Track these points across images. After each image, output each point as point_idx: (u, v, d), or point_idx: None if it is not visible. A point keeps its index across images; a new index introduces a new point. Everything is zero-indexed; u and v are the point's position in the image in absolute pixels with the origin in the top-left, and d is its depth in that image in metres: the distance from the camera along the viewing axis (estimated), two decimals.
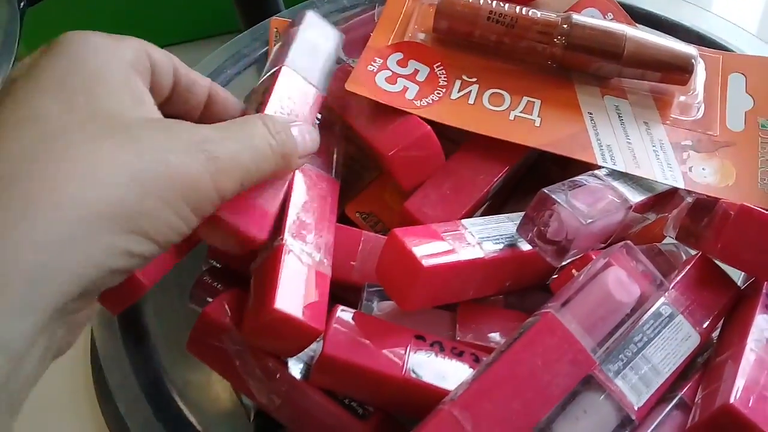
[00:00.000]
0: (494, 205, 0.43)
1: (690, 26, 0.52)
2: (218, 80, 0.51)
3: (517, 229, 0.36)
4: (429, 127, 0.40)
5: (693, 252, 0.40)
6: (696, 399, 0.33)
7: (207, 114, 0.34)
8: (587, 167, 0.40)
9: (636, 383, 0.32)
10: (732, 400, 0.30)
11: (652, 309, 0.34)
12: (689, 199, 0.40)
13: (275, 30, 0.50)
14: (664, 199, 0.41)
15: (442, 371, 0.32)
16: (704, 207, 0.38)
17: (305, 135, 0.33)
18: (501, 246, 0.36)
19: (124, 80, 0.28)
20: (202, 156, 0.27)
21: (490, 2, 0.43)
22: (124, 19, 0.97)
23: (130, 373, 0.38)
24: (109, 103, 0.26)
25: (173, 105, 0.33)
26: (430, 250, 0.33)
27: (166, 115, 0.30)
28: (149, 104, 0.29)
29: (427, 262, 0.32)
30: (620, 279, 0.32)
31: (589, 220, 0.34)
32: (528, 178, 0.45)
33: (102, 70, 0.27)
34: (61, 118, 0.25)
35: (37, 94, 0.25)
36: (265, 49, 0.51)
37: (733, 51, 0.49)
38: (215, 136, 0.28)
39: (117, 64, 0.28)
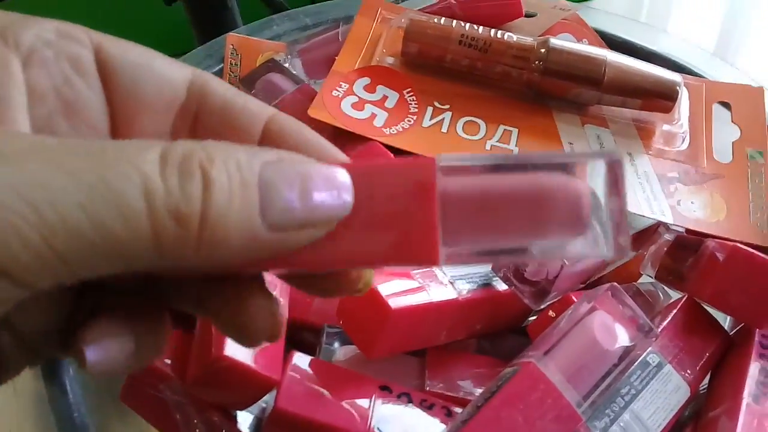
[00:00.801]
0: None
1: (648, 47, 0.50)
2: None
3: (492, 267, 0.33)
4: (391, 155, 0.37)
5: (671, 291, 0.37)
6: None
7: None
8: None
9: None
10: None
11: (640, 358, 0.31)
12: (668, 236, 0.37)
13: (231, 46, 0.47)
14: (643, 235, 0.38)
15: (411, 427, 0.29)
16: (687, 246, 0.36)
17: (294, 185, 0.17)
18: (474, 285, 0.33)
19: None
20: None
21: (462, 25, 0.41)
22: None
23: (52, 427, 0.33)
24: None
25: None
26: (398, 288, 0.30)
27: None
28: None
29: (395, 304, 0.29)
30: (606, 325, 0.29)
31: (571, 261, 0.31)
32: None
33: None
34: None
35: None
36: (220, 66, 0.48)
37: (693, 71, 0.47)
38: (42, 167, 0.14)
39: None
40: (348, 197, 0.17)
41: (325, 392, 0.29)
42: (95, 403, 0.35)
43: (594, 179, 0.17)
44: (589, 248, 0.17)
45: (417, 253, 0.17)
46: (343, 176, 0.17)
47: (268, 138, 0.20)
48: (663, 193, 0.38)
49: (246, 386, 0.29)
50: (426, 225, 0.16)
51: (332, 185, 0.17)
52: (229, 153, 0.16)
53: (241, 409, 0.30)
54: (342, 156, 0.19)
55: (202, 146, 0.16)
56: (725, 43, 0.79)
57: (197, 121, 0.20)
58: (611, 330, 0.29)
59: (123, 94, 0.19)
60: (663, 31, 0.55)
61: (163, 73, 0.19)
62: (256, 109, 0.20)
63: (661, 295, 0.39)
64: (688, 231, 0.37)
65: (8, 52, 0.17)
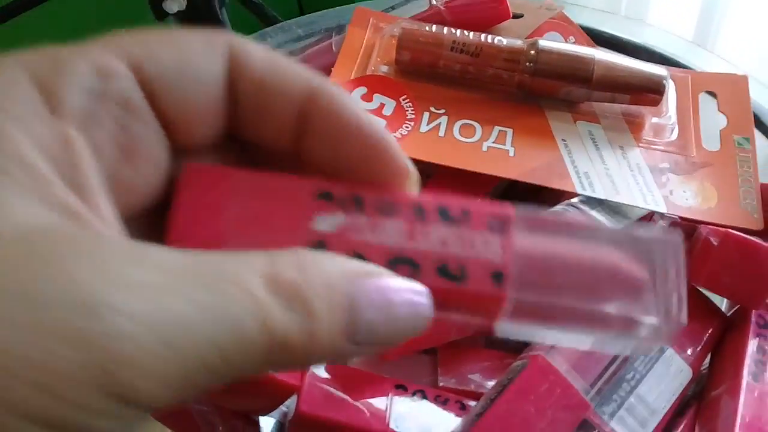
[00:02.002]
0: None
1: (628, 38, 0.51)
2: None
3: None
4: None
5: None
6: None
7: (310, 146, 0.20)
8: (561, 194, 0.39)
9: (632, 425, 0.30)
10: None
11: None
12: (663, 224, 0.38)
13: None
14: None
15: (428, 423, 0.30)
16: (681, 233, 0.37)
17: (389, 296, 0.17)
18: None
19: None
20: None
21: (453, 32, 0.42)
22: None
23: None
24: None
25: (238, 123, 0.20)
26: None
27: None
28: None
29: None
30: None
31: None
32: None
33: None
34: None
35: None
36: None
37: (677, 62, 0.49)
38: (140, 291, 0.14)
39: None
40: (427, 312, 0.17)
41: (344, 394, 0.30)
42: None
43: (656, 258, 0.18)
44: (646, 328, 0.18)
45: (482, 303, 0.18)
46: (423, 295, 0.17)
47: (313, 109, 0.19)
48: (655, 184, 0.39)
49: (268, 393, 0.30)
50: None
51: (413, 305, 0.17)
52: (323, 274, 0.16)
53: (263, 415, 0.32)
54: (388, 137, 0.20)
55: (300, 270, 0.16)
56: (704, 31, 0.81)
57: (236, 92, 0.19)
58: None
59: (170, 107, 0.18)
60: (646, 23, 0.56)
61: (198, 68, 0.18)
62: (294, 78, 0.19)
63: None
64: (681, 219, 0.38)
65: (65, 126, 0.16)
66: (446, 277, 0.18)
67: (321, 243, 0.18)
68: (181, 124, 0.18)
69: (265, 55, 0.19)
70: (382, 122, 0.17)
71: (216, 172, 0.19)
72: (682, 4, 0.85)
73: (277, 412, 0.31)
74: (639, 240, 0.19)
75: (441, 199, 0.19)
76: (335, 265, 0.17)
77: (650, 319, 0.18)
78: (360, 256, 0.18)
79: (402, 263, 0.18)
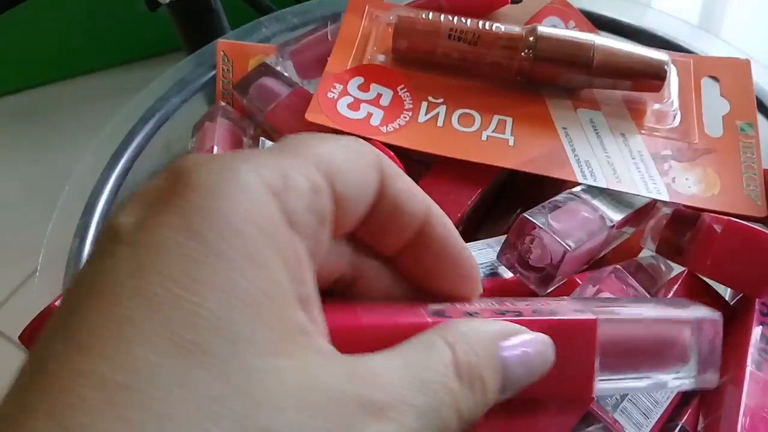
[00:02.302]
0: (468, 230, 0.41)
1: (635, 24, 0.50)
2: (164, 109, 0.48)
3: (497, 257, 0.34)
4: (391, 153, 0.38)
5: (672, 263, 0.38)
6: (698, 427, 0.31)
7: (410, 255, 0.22)
8: (563, 183, 0.38)
9: (636, 416, 0.30)
10: (739, 429, 0.28)
11: None
12: (666, 210, 0.38)
13: (222, 53, 0.48)
14: (641, 212, 0.39)
15: None
16: (685, 220, 0.36)
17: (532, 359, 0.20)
18: (481, 275, 0.33)
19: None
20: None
21: (450, 19, 0.41)
22: (60, 41, 0.94)
23: None
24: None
25: (362, 233, 0.21)
26: None
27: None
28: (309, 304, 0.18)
29: None
30: None
31: (574, 245, 0.32)
32: (502, 199, 0.43)
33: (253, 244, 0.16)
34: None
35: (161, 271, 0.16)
36: (212, 73, 0.48)
37: (680, 46, 0.48)
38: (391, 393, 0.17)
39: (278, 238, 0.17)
40: (552, 358, 0.21)
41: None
42: None
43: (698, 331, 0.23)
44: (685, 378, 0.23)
45: (573, 388, 0.22)
46: (549, 344, 0.21)
47: (424, 233, 0.21)
48: (658, 172, 0.38)
49: None
50: (585, 369, 0.22)
51: (544, 354, 0.21)
52: (483, 343, 0.19)
53: None
54: (476, 272, 0.23)
55: (469, 346, 0.19)
56: (708, 14, 0.80)
57: (372, 210, 0.21)
58: None
59: (341, 217, 0.20)
60: (647, 6, 0.55)
61: (366, 186, 0.20)
62: (417, 205, 0.21)
63: (663, 267, 0.40)
64: (685, 207, 0.38)
65: (297, 242, 0.17)
66: None
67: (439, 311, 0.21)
68: (338, 228, 0.20)
69: (399, 173, 0.21)
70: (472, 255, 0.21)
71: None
72: None
73: None
74: (689, 316, 0.24)
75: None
76: (487, 330, 0.20)
77: (690, 381, 0.23)
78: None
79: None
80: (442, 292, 0.22)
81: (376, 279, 0.22)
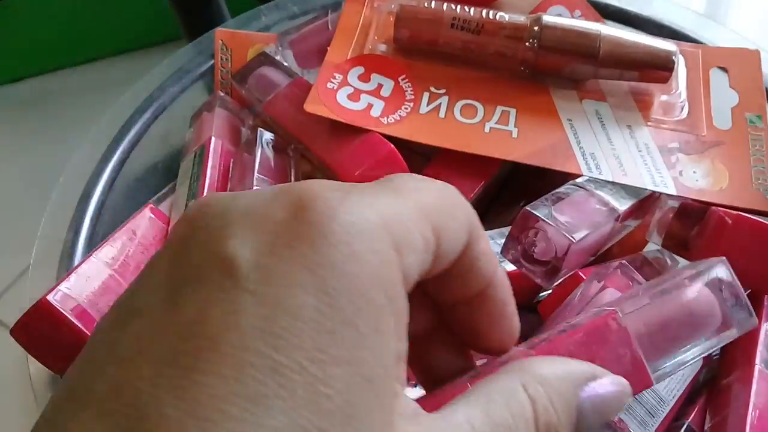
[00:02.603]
0: None
1: (642, 14, 0.50)
2: (162, 99, 0.47)
3: (501, 252, 0.33)
4: (392, 145, 0.37)
5: (678, 258, 0.37)
6: (705, 427, 0.31)
7: (464, 309, 0.21)
8: (567, 175, 0.37)
9: (641, 415, 0.29)
10: (747, 428, 0.27)
11: None
12: (672, 203, 0.37)
13: (221, 42, 0.47)
14: (645, 203, 0.38)
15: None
16: (693, 213, 0.36)
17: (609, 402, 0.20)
18: None
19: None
20: None
21: (453, 8, 0.41)
22: (61, 29, 0.93)
23: None
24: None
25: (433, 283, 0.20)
26: None
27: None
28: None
29: None
30: None
31: (579, 237, 0.31)
32: (505, 192, 0.42)
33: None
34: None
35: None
36: (211, 63, 0.48)
37: (688, 36, 0.47)
38: None
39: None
40: (628, 400, 0.21)
41: None
42: None
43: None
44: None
45: (632, 383, 0.21)
46: (625, 386, 0.20)
47: (487, 295, 0.21)
48: (665, 165, 0.38)
49: None
50: (635, 363, 0.21)
51: (618, 398, 0.20)
52: (566, 400, 0.19)
53: None
54: (517, 330, 0.22)
55: (552, 406, 0.19)
56: (715, 3, 0.79)
57: (447, 273, 0.20)
58: None
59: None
60: None
61: (458, 245, 0.19)
62: (487, 266, 0.20)
63: (669, 262, 0.39)
64: (692, 201, 0.37)
65: (406, 299, 0.17)
66: None
67: None
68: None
69: (483, 234, 0.20)
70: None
71: None
72: None
73: None
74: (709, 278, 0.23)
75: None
76: (567, 376, 0.19)
77: (732, 333, 0.23)
78: None
79: None
80: (483, 346, 0.22)
81: (420, 321, 0.22)
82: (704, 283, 0.23)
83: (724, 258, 0.24)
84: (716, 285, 0.23)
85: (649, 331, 0.22)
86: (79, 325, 0.31)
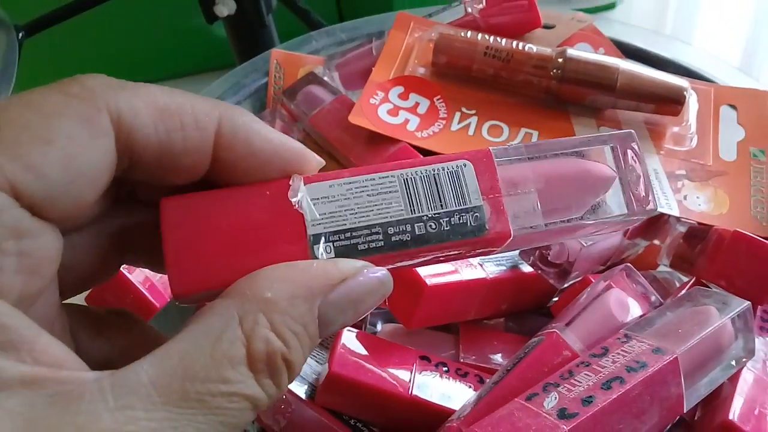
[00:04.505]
0: None
1: (677, 60, 0.53)
2: None
3: (519, 253, 0.37)
4: (420, 155, 0.41)
5: (686, 278, 0.41)
6: (695, 417, 0.34)
7: (224, 166, 0.21)
8: None
9: None
10: (731, 417, 0.30)
11: None
12: (682, 229, 0.41)
13: (275, 61, 0.52)
14: (654, 224, 0.41)
15: (448, 391, 0.33)
16: (697, 235, 0.39)
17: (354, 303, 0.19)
18: (503, 268, 0.36)
19: None
20: None
21: (487, 38, 0.45)
22: (118, 52, 0.99)
23: None
24: None
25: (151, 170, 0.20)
26: (434, 270, 0.34)
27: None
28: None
29: (430, 281, 0.33)
30: (621, 300, 0.33)
31: (589, 243, 0.35)
32: None
33: None
34: None
35: None
36: (265, 80, 0.53)
37: (703, 76, 0.50)
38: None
39: None
40: (388, 284, 0.20)
41: (373, 360, 0.33)
42: None
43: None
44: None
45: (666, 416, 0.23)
46: (379, 271, 0.20)
47: (224, 140, 0.20)
48: (671, 189, 0.41)
49: None
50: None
51: (376, 284, 0.20)
52: (293, 317, 0.18)
53: None
54: (309, 155, 0.22)
55: (281, 336, 0.18)
56: (750, 57, 0.81)
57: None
58: (625, 304, 0.33)
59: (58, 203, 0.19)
60: (678, 40, 0.57)
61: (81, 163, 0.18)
62: (202, 117, 0.20)
63: (677, 283, 0.42)
64: (698, 224, 0.40)
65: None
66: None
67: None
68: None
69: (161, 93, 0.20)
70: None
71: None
72: (729, 29, 0.86)
73: (308, 376, 0.34)
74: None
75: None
76: (297, 291, 0.18)
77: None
78: None
79: None
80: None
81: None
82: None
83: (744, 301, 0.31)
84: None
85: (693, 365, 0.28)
86: None
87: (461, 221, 0.20)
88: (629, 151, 0.23)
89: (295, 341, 0.18)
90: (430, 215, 0.20)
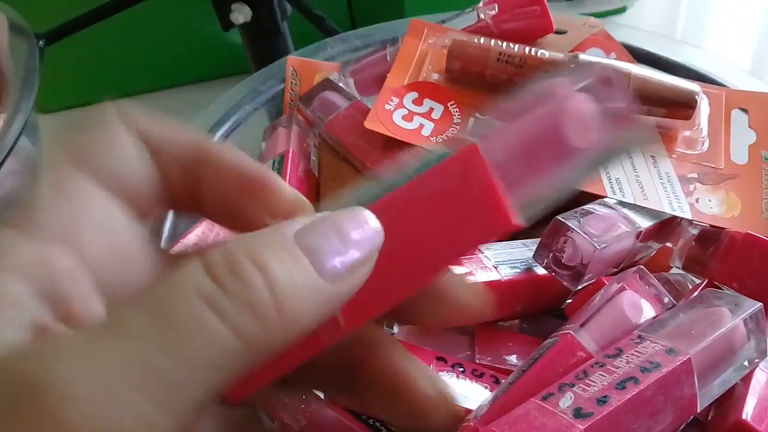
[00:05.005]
0: None
1: (688, 65, 0.54)
2: (236, 116, 0.53)
3: (533, 255, 0.37)
4: None
5: (698, 280, 0.41)
6: (709, 417, 0.34)
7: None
8: (593, 196, 0.42)
9: None
10: (744, 416, 0.31)
11: None
12: (694, 231, 0.41)
13: (291, 68, 0.53)
14: (666, 226, 0.42)
15: (464, 391, 0.33)
16: (710, 237, 0.40)
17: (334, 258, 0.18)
18: (517, 270, 0.37)
19: None
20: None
21: (500, 44, 0.46)
22: (137, 59, 1.01)
23: None
24: None
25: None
26: None
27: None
28: None
29: None
30: (634, 301, 0.34)
31: (603, 245, 0.35)
32: None
33: None
34: None
35: None
36: (281, 86, 0.54)
37: (711, 78, 0.51)
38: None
39: None
40: (377, 231, 0.19)
41: None
42: None
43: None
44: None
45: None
46: (362, 211, 0.19)
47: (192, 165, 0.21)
48: (683, 192, 0.42)
49: None
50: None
51: (359, 221, 0.18)
52: (261, 239, 0.17)
53: None
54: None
55: (238, 243, 0.17)
56: (760, 61, 0.82)
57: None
58: (638, 306, 0.33)
59: None
60: (689, 44, 0.57)
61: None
62: (179, 137, 0.21)
63: (689, 285, 0.43)
64: (711, 227, 0.41)
65: (45, 246, 0.18)
66: None
67: None
68: None
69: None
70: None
71: None
72: (739, 33, 0.86)
73: None
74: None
75: None
76: (274, 228, 0.18)
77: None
78: None
79: None
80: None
81: None
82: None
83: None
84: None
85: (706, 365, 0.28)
86: None
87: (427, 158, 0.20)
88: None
89: (266, 252, 0.17)
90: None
